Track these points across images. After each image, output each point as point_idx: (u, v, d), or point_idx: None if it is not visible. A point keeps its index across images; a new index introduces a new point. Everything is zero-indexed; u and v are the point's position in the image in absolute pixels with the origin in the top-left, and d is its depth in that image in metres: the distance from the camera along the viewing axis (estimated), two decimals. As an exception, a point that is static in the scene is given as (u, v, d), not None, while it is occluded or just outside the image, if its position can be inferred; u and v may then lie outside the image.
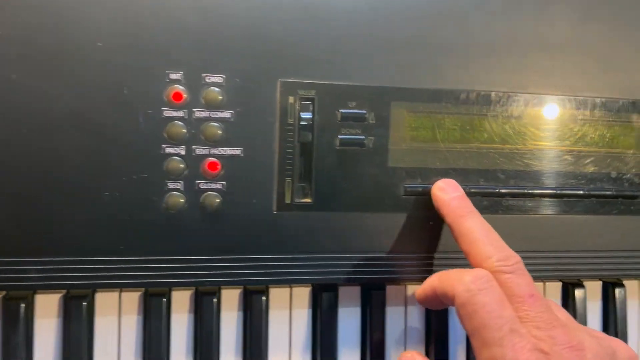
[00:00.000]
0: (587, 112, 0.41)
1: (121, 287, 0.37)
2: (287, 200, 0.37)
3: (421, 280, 0.40)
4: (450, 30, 0.38)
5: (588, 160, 0.42)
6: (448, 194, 0.38)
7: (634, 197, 0.43)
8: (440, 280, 0.36)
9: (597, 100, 0.41)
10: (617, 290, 0.45)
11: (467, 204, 0.38)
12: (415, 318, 0.42)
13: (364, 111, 0.38)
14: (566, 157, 0.41)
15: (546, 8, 0.40)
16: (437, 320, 0.42)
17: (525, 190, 0.41)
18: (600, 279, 0.45)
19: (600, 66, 0.41)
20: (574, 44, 0.41)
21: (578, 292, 0.45)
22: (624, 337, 0.46)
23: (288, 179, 0.37)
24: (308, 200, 0.38)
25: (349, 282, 0.39)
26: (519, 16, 0.40)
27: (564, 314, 0.35)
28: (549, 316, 0.32)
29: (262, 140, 0.37)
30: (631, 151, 0.42)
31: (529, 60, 0.40)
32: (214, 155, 0.36)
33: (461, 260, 0.40)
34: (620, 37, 0.41)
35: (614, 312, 0.45)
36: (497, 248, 0.35)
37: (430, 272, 0.40)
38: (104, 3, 0.34)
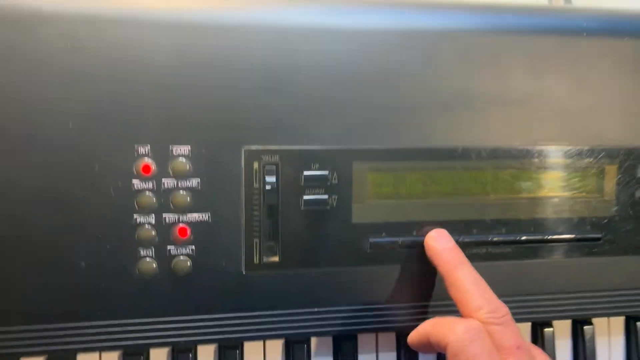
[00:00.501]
0: (547, 161, 0.42)
1: (101, 349, 0.38)
2: (256, 261, 0.39)
3: (389, 328, 0.42)
4: (407, 90, 0.40)
5: (550, 207, 0.43)
6: (441, 244, 0.40)
7: (596, 240, 0.44)
8: (434, 327, 0.37)
9: (558, 149, 0.42)
10: (586, 328, 0.47)
11: (459, 255, 0.39)
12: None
13: (327, 172, 0.39)
14: (527, 205, 0.43)
15: (502, 62, 0.41)
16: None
17: (488, 239, 0.42)
18: (570, 319, 0.47)
19: (559, 116, 0.42)
20: (531, 96, 0.42)
21: (547, 331, 0.46)
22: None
23: (256, 240, 0.39)
24: (275, 259, 0.39)
25: (319, 334, 0.41)
26: (475, 71, 0.41)
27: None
28: None
29: (228, 205, 0.38)
30: (592, 195, 0.44)
31: (487, 114, 0.41)
32: (182, 222, 0.38)
33: (431, 308, 0.42)
34: (578, 87, 0.43)
35: (584, 349, 0.47)
36: (488, 300, 0.36)
37: (399, 320, 0.42)
38: (72, 86, 0.36)
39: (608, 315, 0.46)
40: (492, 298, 0.37)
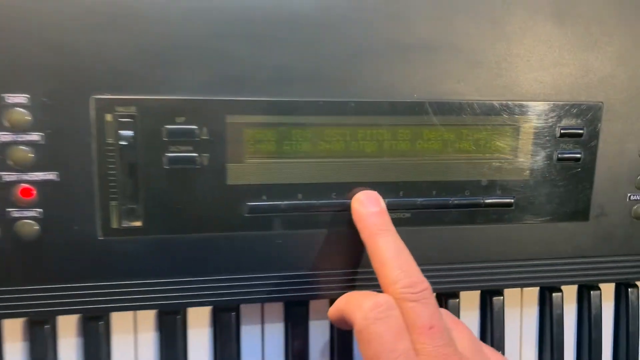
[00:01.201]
0: (453, 117, 0.38)
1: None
2: (114, 225, 0.35)
3: (273, 298, 0.39)
4: (292, 31, 0.35)
5: (456, 168, 0.39)
6: (366, 208, 0.36)
7: (508, 205, 0.40)
8: (346, 302, 0.34)
9: (466, 103, 0.38)
10: (495, 299, 0.43)
11: (384, 221, 0.35)
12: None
13: (195, 127, 0.35)
14: (428, 166, 0.38)
15: (400, 3, 0.36)
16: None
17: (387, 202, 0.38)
18: (479, 289, 0.43)
19: (469, 66, 0.37)
20: (436, 42, 0.37)
21: (453, 302, 0.43)
22: (502, 343, 0.44)
23: (113, 203, 0.35)
24: (138, 223, 0.35)
25: (196, 305, 0.37)
26: (369, 13, 0.36)
27: (468, 343, 0.33)
28: (446, 350, 0.31)
29: (79, 163, 0.33)
30: (504, 156, 0.39)
31: (385, 63, 0.36)
32: (25, 181, 0.33)
33: (323, 278, 0.38)
34: (490, 33, 0.37)
35: (492, 321, 0.44)
36: (406, 272, 0.33)
37: (283, 291, 0.38)
38: None
39: (520, 286, 0.43)
40: (412, 271, 0.33)
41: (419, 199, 0.38)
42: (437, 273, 0.40)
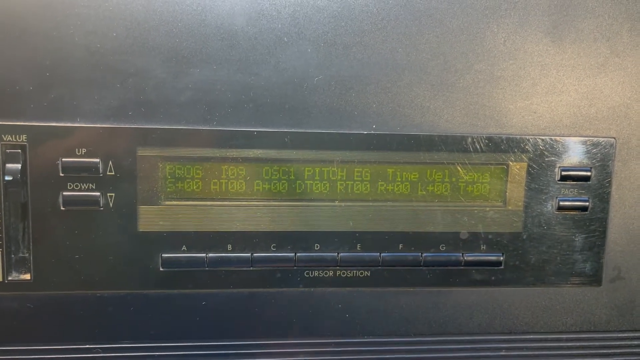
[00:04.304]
0: (422, 154, 0.31)
1: None
2: (-2, 278, 0.29)
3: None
4: (217, 52, 0.29)
5: (429, 216, 0.31)
6: None
7: (495, 264, 0.32)
8: None
9: (440, 137, 0.31)
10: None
11: None
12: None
13: (97, 160, 0.29)
14: (393, 212, 0.31)
15: (360, 16, 0.30)
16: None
17: (334, 257, 0.31)
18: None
19: (444, 93, 0.30)
20: (392, 62, 0.30)
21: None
22: None
23: (-3, 251, 0.29)
24: (26, 277, 0.29)
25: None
26: (307, 42, 0.30)
27: None
28: None
29: (-44, 202, 0.28)
30: (490, 203, 0.32)
31: (332, 88, 0.30)
32: None
33: (255, 349, 0.31)
34: (471, 56, 0.31)
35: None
36: None
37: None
38: None
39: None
40: None
41: (382, 254, 0.31)
42: (402, 347, 0.32)
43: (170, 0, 0.28)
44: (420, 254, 0.31)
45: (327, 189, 0.30)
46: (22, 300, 0.29)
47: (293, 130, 0.29)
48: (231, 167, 0.30)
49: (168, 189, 0.29)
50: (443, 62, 0.30)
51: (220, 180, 0.30)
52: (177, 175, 0.29)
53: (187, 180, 0.29)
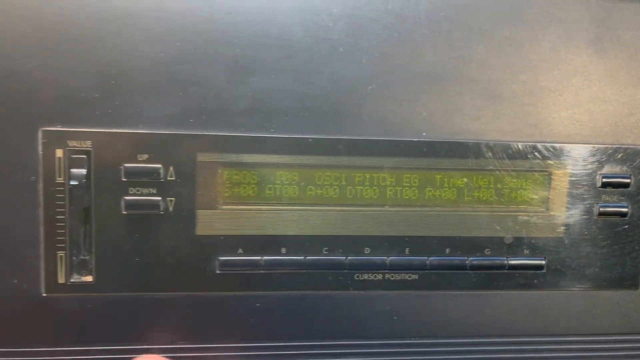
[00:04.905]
0: (469, 161, 0.32)
1: None
2: (61, 280, 0.29)
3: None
4: (277, 61, 0.30)
5: (473, 222, 0.32)
6: None
7: (538, 268, 0.33)
8: None
9: (484, 144, 0.32)
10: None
11: None
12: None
13: (159, 165, 0.30)
14: (438, 218, 0.32)
15: (407, 26, 0.31)
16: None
17: (384, 261, 0.32)
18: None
19: (488, 99, 0.31)
20: (446, 71, 0.31)
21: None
22: None
23: (60, 253, 0.29)
24: (89, 279, 0.30)
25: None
26: (362, 44, 0.31)
27: None
28: None
29: (22, 205, 0.28)
30: (533, 208, 0.33)
31: (384, 96, 0.31)
32: (-41, 225, 0.29)
33: (306, 350, 0.32)
34: (514, 59, 0.32)
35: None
36: None
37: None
38: None
39: (554, 366, 0.36)
40: None
41: (429, 258, 0.32)
42: (447, 349, 0.33)
43: (231, 12, 0.29)
44: (466, 258, 0.32)
45: (377, 194, 0.31)
46: (84, 302, 0.29)
47: (346, 137, 0.30)
48: (285, 173, 0.30)
49: (225, 194, 0.30)
50: (490, 73, 0.31)
51: (275, 186, 0.31)
52: (233, 181, 0.30)
53: (243, 185, 0.30)
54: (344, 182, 0.31)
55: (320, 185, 0.31)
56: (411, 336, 0.32)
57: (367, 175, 0.31)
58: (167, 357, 0.30)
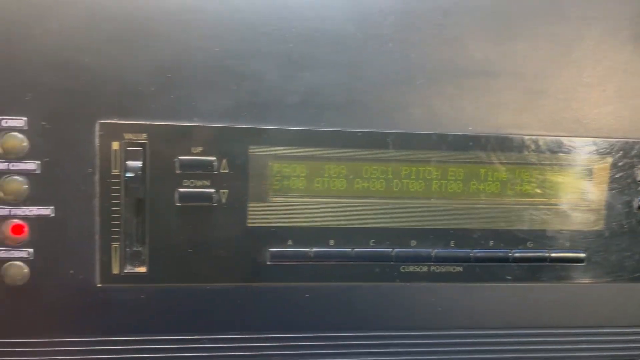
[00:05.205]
0: (514, 154, 0.32)
1: None
2: (115, 271, 0.30)
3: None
4: (325, 57, 0.30)
5: (516, 215, 0.33)
6: None
7: (578, 260, 0.34)
8: None
9: (529, 139, 0.32)
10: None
11: None
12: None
13: (213, 158, 0.30)
14: (483, 211, 0.33)
15: (456, 26, 0.31)
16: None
17: (430, 254, 0.32)
18: None
19: (533, 96, 0.32)
20: (494, 69, 0.32)
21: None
22: None
23: (115, 244, 0.30)
24: (142, 269, 0.30)
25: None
26: (415, 38, 0.31)
27: None
28: None
29: (78, 197, 0.29)
30: (574, 202, 0.33)
31: (434, 91, 0.31)
32: (17, 217, 0.29)
33: (352, 341, 0.33)
34: (559, 60, 0.32)
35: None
36: None
37: (304, 355, 0.33)
38: None
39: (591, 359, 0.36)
40: None
41: (474, 251, 0.33)
42: (491, 340, 0.34)
43: (285, 8, 0.29)
44: (509, 250, 0.32)
45: (423, 187, 0.32)
46: (137, 292, 0.30)
47: (394, 131, 0.31)
48: (334, 166, 0.31)
49: (275, 186, 0.31)
50: (534, 69, 0.31)
51: (324, 179, 0.31)
52: (283, 174, 0.31)
53: (293, 178, 0.31)
54: (390, 176, 0.31)
55: (367, 178, 0.31)
56: (455, 327, 0.33)
57: (414, 169, 0.32)
58: (217, 347, 0.31)
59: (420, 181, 0.32)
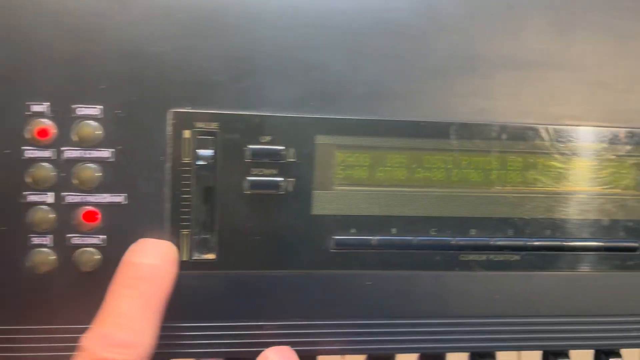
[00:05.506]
0: (572, 145, 0.33)
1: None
2: (184, 257, 0.30)
3: (357, 350, 0.34)
4: (391, 45, 0.31)
5: (573, 205, 0.34)
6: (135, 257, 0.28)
7: (632, 250, 0.34)
8: None
9: (586, 130, 0.33)
10: (613, 361, 0.37)
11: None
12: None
13: (281, 147, 0.31)
14: (542, 200, 0.33)
15: (515, 13, 0.32)
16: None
17: (489, 242, 0.33)
18: (593, 348, 0.37)
19: (590, 87, 0.33)
20: (553, 59, 0.32)
21: (562, 363, 0.37)
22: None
23: (184, 232, 0.30)
24: (211, 256, 0.31)
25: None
26: (477, 29, 0.32)
27: None
28: None
29: (150, 184, 0.29)
30: (629, 192, 0.34)
31: (494, 81, 0.32)
32: (90, 204, 0.29)
33: (413, 328, 0.33)
34: (617, 48, 0.33)
35: (609, 387, 0.37)
36: (110, 321, 0.25)
37: (368, 341, 0.33)
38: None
39: (642, 346, 0.37)
40: (130, 323, 0.25)
41: (531, 239, 0.33)
42: (547, 328, 0.34)
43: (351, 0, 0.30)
44: (565, 239, 0.33)
45: (482, 177, 0.32)
46: (204, 279, 0.30)
47: (456, 121, 0.31)
48: (395, 156, 0.32)
49: (339, 175, 0.31)
50: (595, 60, 0.32)
51: (386, 168, 0.32)
52: (347, 163, 0.31)
53: (356, 167, 0.31)
54: (450, 165, 0.32)
55: (428, 167, 0.32)
56: (511, 314, 0.33)
57: (474, 159, 0.32)
58: (282, 333, 0.31)
59: (479, 171, 0.32)
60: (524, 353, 0.37)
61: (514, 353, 0.36)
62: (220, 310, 0.31)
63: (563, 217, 0.33)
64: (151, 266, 0.27)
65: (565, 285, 0.34)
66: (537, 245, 0.33)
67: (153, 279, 0.27)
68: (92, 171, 0.29)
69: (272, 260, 0.31)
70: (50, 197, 0.29)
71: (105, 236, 0.29)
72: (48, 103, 0.28)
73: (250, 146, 0.30)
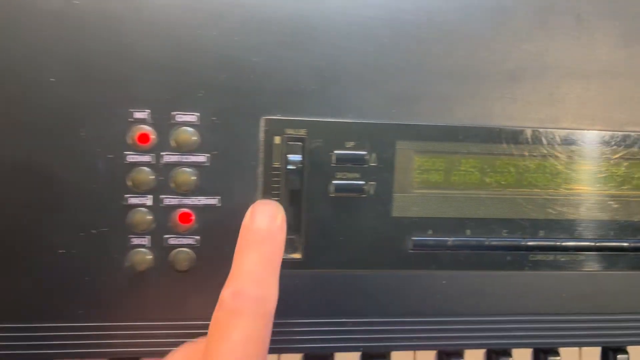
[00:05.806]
0: (633, 150, 0.35)
1: (82, 357, 0.32)
2: (273, 257, 0.32)
3: (430, 346, 0.35)
4: (466, 55, 0.33)
5: (633, 207, 0.35)
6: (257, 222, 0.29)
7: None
8: None
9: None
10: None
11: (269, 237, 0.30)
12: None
13: (364, 152, 0.32)
14: (610, 203, 0.35)
15: (581, 29, 0.34)
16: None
17: (557, 243, 0.35)
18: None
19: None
20: (615, 71, 0.34)
21: (621, 358, 0.38)
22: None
23: (273, 233, 0.32)
24: (297, 256, 0.32)
25: (345, 350, 0.34)
26: (548, 39, 0.34)
27: None
28: None
29: (242, 188, 0.31)
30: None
31: (562, 90, 0.34)
32: (186, 206, 0.31)
33: (483, 325, 0.35)
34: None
35: (665, 382, 0.39)
36: (246, 278, 0.28)
37: (442, 338, 0.35)
38: (56, 32, 0.29)
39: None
40: (258, 279, 0.28)
41: (595, 241, 0.35)
42: (609, 325, 0.36)
43: (428, 11, 0.31)
44: (628, 240, 0.35)
45: (548, 181, 0.34)
46: (292, 278, 0.32)
47: (529, 127, 0.33)
48: (470, 160, 0.33)
49: (417, 179, 0.33)
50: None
51: (460, 172, 0.33)
52: (424, 167, 0.33)
53: (432, 171, 0.33)
54: (521, 170, 0.34)
55: (500, 172, 0.33)
56: (576, 312, 0.35)
57: (543, 163, 0.34)
58: (361, 329, 0.33)
59: (547, 175, 0.34)
60: (585, 350, 0.38)
61: (575, 350, 0.38)
62: (305, 307, 0.32)
63: (627, 219, 0.35)
64: (267, 230, 0.29)
65: (625, 284, 0.35)
66: (600, 246, 0.34)
67: (271, 240, 0.29)
68: (188, 175, 0.30)
69: (354, 260, 0.32)
70: (149, 200, 0.30)
71: (199, 237, 0.31)
72: (149, 110, 0.30)
73: (336, 151, 0.31)
